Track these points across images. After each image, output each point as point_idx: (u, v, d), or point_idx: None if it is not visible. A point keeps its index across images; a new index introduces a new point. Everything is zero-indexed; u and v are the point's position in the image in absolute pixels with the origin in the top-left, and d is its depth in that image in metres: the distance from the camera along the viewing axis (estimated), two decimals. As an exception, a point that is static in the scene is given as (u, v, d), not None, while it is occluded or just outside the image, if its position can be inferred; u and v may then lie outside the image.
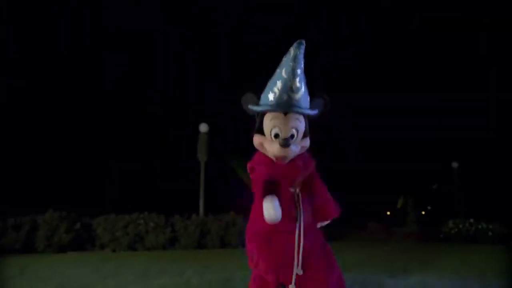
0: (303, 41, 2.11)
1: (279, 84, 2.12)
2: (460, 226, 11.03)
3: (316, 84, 2.37)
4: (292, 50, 2.09)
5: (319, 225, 2.34)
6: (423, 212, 19.66)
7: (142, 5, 16.22)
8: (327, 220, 2.35)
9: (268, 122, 2.18)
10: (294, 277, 2.08)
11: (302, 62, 2.13)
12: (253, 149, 2.37)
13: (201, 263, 4.79)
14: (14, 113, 12.77)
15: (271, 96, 2.15)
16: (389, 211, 19.67)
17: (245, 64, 14.90)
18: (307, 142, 2.28)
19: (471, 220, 11.08)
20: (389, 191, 17.45)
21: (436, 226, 12.22)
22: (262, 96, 2.22)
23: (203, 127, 9.68)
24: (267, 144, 2.21)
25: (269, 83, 2.19)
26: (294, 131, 2.17)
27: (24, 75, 13.32)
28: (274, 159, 2.22)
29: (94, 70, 15.04)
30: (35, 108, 13.21)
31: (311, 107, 2.24)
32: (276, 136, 2.16)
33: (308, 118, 2.26)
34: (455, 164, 14.76)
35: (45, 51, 14.08)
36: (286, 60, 2.10)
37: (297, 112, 2.17)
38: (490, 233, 10.64)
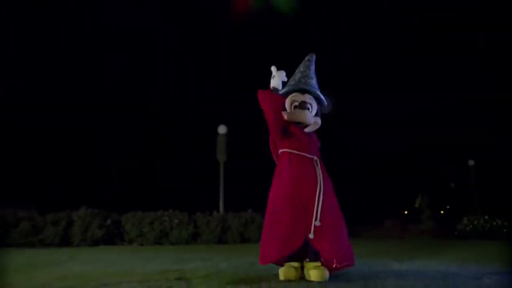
0: (314, 54, 3.17)
1: (298, 75, 3.05)
2: (475, 222, 11.13)
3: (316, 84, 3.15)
4: (306, 57, 3.13)
5: None
6: (442, 212, 19.61)
7: (142, 5, 16.37)
8: None
9: (289, 99, 2.99)
10: (312, 227, 2.56)
11: (313, 64, 3.11)
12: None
13: (225, 253, 5.27)
14: (14, 112, 13.00)
15: (292, 82, 3.04)
16: (406, 210, 19.68)
17: (245, 64, 15.01)
18: (319, 121, 3.02)
19: (486, 217, 11.18)
20: (407, 190, 17.54)
21: (451, 223, 12.31)
22: (286, 85, 3.04)
23: (222, 129, 10.00)
24: (289, 116, 2.93)
25: (291, 78, 3.06)
26: (309, 105, 2.96)
27: (24, 75, 13.49)
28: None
29: (94, 70, 15.25)
30: (40, 108, 13.43)
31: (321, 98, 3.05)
32: (296, 107, 2.95)
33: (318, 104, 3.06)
34: (471, 162, 14.85)
35: (45, 51, 14.27)
36: (303, 62, 3.10)
37: (312, 92, 2.98)
38: (505, 230, 10.73)
